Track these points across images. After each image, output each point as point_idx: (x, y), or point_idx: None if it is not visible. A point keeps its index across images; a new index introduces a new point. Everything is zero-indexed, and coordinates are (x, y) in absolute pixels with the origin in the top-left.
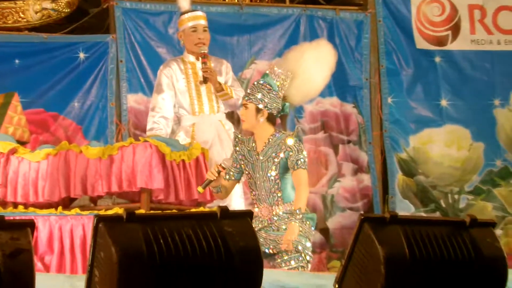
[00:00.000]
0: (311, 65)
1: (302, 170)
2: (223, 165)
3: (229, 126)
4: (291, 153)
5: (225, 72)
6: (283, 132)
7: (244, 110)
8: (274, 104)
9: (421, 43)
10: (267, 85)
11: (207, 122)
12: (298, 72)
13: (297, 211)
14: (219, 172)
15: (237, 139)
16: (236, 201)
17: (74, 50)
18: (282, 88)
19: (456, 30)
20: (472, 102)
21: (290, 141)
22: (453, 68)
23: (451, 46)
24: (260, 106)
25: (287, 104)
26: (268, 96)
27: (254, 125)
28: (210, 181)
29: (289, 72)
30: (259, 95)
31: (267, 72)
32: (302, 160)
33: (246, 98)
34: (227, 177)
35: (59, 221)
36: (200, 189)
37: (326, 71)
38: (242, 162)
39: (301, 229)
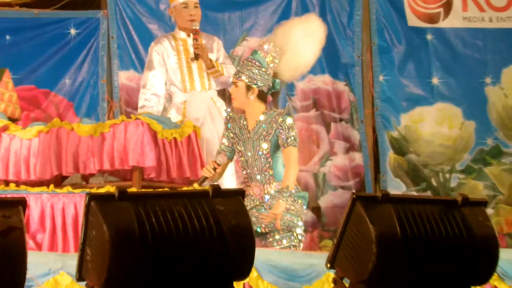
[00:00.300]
0: (300, 40)
1: (292, 148)
2: (218, 161)
3: (221, 103)
4: (281, 131)
5: (216, 49)
6: (274, 109)
7: (234, 88)
8: (264, 81)
9: (413, 20)
10: (257, 62)
11: (198, 99)
12: (287, 47)
13: (285, 189)
14: (214, 169)
15: (228, 117)
16: (228, 179)
17: (65, 26)
18: (272, 65)
19: (448, 7)
20: (463, 80)
21: (290, 120)
22: (444, 46)
23: (443, 24)
24: (250, 83)
25: (277, 80)
26: (258, 73)
27: (245, 103)
28: (206, 178)
29: (278, 48)
30: (248, 73)
31: (257, 48)
32: (292, 137)
33: (236, 76)
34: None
35: (51, 199)
36: (196, 186)
37: (316, 46)
38: (234, 141)
39: (292, 207)
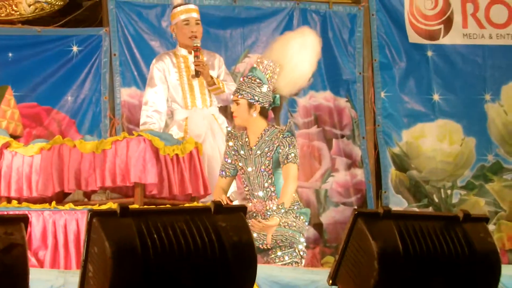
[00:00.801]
0: (297, 54)
1: (292, 164)
2: (231, 198)
3: (222, 120)
4: (282, 147)
5: (217, 66)
6: (276, 126)
7: (235, 106)
8: (265, 98)
9: (414, 37)
10: (257, 79)
11: (200, 116)
12: (285, 61)
13: (280, 205)
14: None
15: (230, 134)
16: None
17: (67, 43)
18: (272, 80)
19: (448, 24)
20: (463, 97)
21: (291, 137)
22: (445, 62)
23: (443, 40)
24: (252, 101)
25: (277, 96)
26: (259, 90)
27: (247, 120)
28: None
29: (276, 63)
30: (249, 90)
31: (255, 65)
32: (292, 154)
33: (236, 94)
34: (224, 173)
35: (53, 216)
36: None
37: (313, 58)
38: (235, 158)
39: (294, 224)
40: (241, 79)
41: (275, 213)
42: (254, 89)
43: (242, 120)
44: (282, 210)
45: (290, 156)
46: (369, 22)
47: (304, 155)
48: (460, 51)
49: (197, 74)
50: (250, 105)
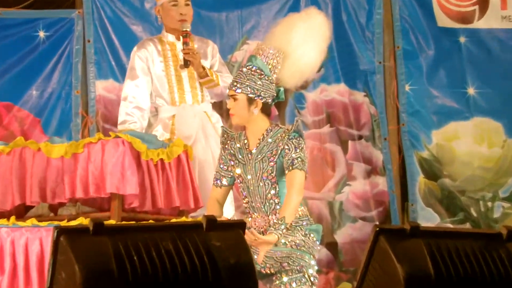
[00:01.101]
0: (303, 40)
1: (297, 171)
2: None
3: (216, 118)
4: (287, 151)
5: (211, 55)
6: (280, 125)
7: (232, 102)
8: (268, 92)
9: (443, 20)
10: (257, 70)
11: (189, 113)
12: (289, 49)
13: (280, 220)
14: None
15: (225, 135)
16: (226, 208)
17: (33, 27)
18: (275, 71)
19: (484, 5)
20: (503, 90)
21: (298, 138)
22: (480, 50)
23: (478, 24)
24: (252, 95)
25: (281, 89)
26: (260, 83)
27: (246, 119)
28: None
29: (279, 50)
30: (249, 83)
31: (255, 53)
32: (299, 159)
33: (234, 88)
34: (218, 182)
35: (11, 233)
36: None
37: (321, 44)
38: (232, 163)
39: (303, 243)
40: (239, 70)
41: (273, 228)
42: (255, 82)
43: (241, 119)
44: (282, 226)
45: (296, 161)
46: (390, 3)
47: (314, 160)
48: (498, 36)
49: (186, 64)
50: (250, 101)
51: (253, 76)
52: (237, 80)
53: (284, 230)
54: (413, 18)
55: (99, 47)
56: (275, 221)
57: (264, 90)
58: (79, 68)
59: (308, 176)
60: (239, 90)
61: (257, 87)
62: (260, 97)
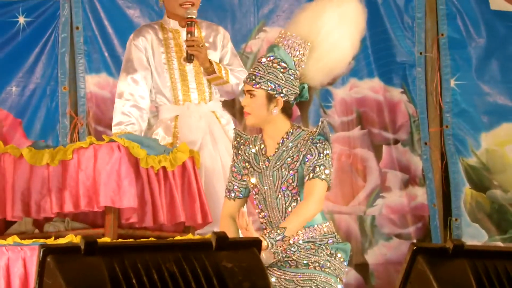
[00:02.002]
0: (335, 30)
1: (318, 181)
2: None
3: (227, 119)
4: (309, 156)
5: (221, 45)
6: (303, 128)
7: (248, 98)
8: (292, 89)
9: (498, 2)
10: (281, 62)
11: (195, 114)
12: (317, 40)
13: (279, 230)
14: None
15: (238, 138)
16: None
17: (11, 12)
18: (300, 65)
19: None
20: None
21: (324, 142)
22: None
23: None
24: (273, 92)
25: (305, 86)
26: (283, 78)
27: (265, 119)
28: None
29: (306, 41)
30: (270, 77)
31: (277, 42)
32: (322, 167)
33: (251, 82)
34: (232, 195)
35: None
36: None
37: (355, 35)
38: (246, 172)
39: (329, 264)
40: (258, 61)
41: (266, 235)
42: (277, 76)
43: (258, 119)
44: (278, 237)
45: (318, 169)
46: None
47: (342, 168)
48: None
49: (190, 58)
50: (270, 98)
51: (275, 70)
52: (255, 72)
53: (279, 243)
54: (461, 0)
55: (90, 36)
56: (299, 240)
57: (287, 87)
58: (66, 60)
59: (335, 186)
60: (257, 85)
61: (279, 83)
62: (282, 95)
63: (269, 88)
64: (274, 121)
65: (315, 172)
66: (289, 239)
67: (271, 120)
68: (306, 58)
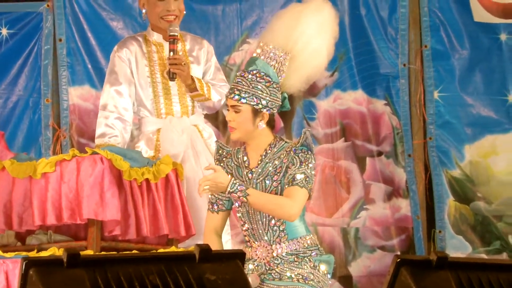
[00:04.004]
0: (313, 37)
1: (298, 188)
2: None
3: (209, 133)
4: (291, 165)
5: (205, 59)
6: (286, 140)
7: (233, 113)
8: (275, 101)
9: (481, 14)
10: (265, 76)
11: (177, 128)
12: (296, 48)
13: (246, 187)
14: None
15: (220, 151)
16: (222, 237)
17: None
18: (281, 75)
19: None
20: None
21: (306, 153)
22: None
23: None
24: (259, 106)
25: (285, 95)
26: (268, 92)
27: (251, 134)
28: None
29: (287, 51)
30: (255, 91)
31: (258, 55)
32: (303, 175)
33: (236, 97)
34: (215, 208)
35: None
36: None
37: (330, 41)
38: None
39: (312, 277)
40: (241, 75)
41: (234, 181)
42: (262, 91)
43: (243, 134)
44: (240, 187)
45: (299, 177)
46: None
47: (326, 180)
48: None
49: (173, 77)
50: (256, 113)
51: (259, 84)
52: (239, 87)
53: (238, 192)
54: (445, 12)
55: (73, 47)
56: (282, 252)
57: (272, 100)
58: (49, 72)
59: (319, 198)
60: (243, 100)
61: (264, 97)
62: (267, 109)
63: (255, 103)
64: (259, 135)
65: (296, 179)
66: (246, 200)
67: (257, 134)
68: (286, 69)
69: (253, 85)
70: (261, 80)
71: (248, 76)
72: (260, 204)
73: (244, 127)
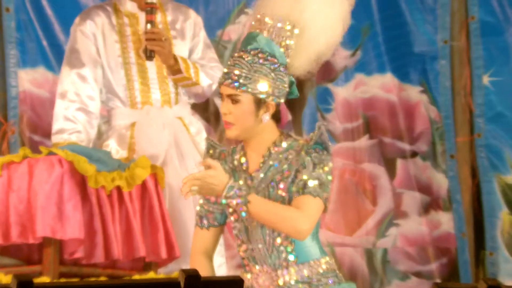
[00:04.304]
0: (322, 8)
1: (310, 198)
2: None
3: (197, 128)
4: (301, 168)
5: (191, 33)
6: (295, 137)
7: (230, 104)
8: (283, 88)
9: None
10: (270, 57)
11: (157, 121)
12: (302, 22)
13: (246, 188)
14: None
15: (212, 151)
16: (214, 260)
17: None
18: (288, 55)
19: None
20: None
21: (321, 153)
22: None
23: None
24: (264, 96)
25: (293, 79)
26: (274, 76)
27: (252, 130)
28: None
29: (294, 24)
30: (258, 76)
31: (259, 29)
32: (317, 181)
33: (233, 84)
34: (204, 223)
35: None
36: None
37: (345, 8)
38: None
39: None
40: (239, 55)
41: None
42: (267, 75)
43: (243, 130)
44: (243, 188)
45: (311, 184)
46: None
47: (345, 189)
48: None
49: (150, 55)
50: (259, 103)
51: (262, 66)
52: (238, 71)
53: (238, 192)
54: None
55: (24, 20)
56: (290, 280)
57: (278, 87)
58: None
59: (337, 212)
60: (244, 88)
61: (269, 83)
62: (273, 98)
63: (258, 92)
64: (262, 131)
65: (307, 187)
66: (245, 209)
67: (260, 130)
68: (294, 46)
69: (255, 68)
70: (265, 62)
71: (248, 57)
72: (263, 214)
73: (244, 122)
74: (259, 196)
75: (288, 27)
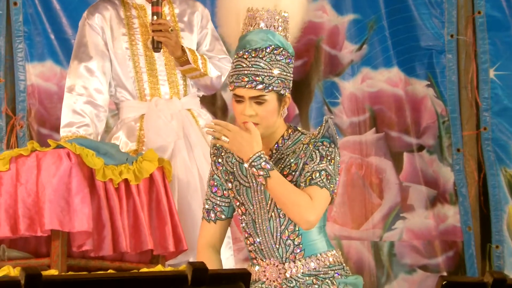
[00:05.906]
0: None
1: (317, 188)
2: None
3: (206, 120)
4: (310, 160)
5: (199, 25)
6: (302, 130)
7: (255, 106)
8: (291, 78)
9: None
10: (284, 51)
11: (165, 113)
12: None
13: (270, 162)
14: None
15: (217, 146)
16: (221, 253)
17: None
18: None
19: None
20: None
21: (328, 146)
22: None
23: None
24: (285, 91)
25: None
26: (288, 69)
27: (273, 126)
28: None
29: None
30: (279, 73)
31: (258, 19)
32: (323, 172)
33: (260, 86)
34: (211, 216)
35: None
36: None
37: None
38: (230, 185)
39: None
40: (256, 55)
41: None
42: (285, 70)
43: (267, 129)
44: (269, 164)
45: (318, 175)
46: None
47: (352, 182)
48: None
49: (157, 46)
50: (280, 100)
51: (279, 62)
52: (259, 72)
53: (264, 165)
54: None
55: (31, 14)
56: (297, 273)
57: (290, 78)
58: (1, 44)
59: (344, 205)
60: (270, 88)
61: (288, 77)
62: (288, 90)
63: (281, 88)
64: (275, 125)
65: (314, 178)
66: (264, 182)
67: (277, 125)
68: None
69: (274, 65)
70: (281, 58)
71: (264, 55)
72: (278, 194)
73: (269, 120)
74: (280, 175)
75: (285, 14)
